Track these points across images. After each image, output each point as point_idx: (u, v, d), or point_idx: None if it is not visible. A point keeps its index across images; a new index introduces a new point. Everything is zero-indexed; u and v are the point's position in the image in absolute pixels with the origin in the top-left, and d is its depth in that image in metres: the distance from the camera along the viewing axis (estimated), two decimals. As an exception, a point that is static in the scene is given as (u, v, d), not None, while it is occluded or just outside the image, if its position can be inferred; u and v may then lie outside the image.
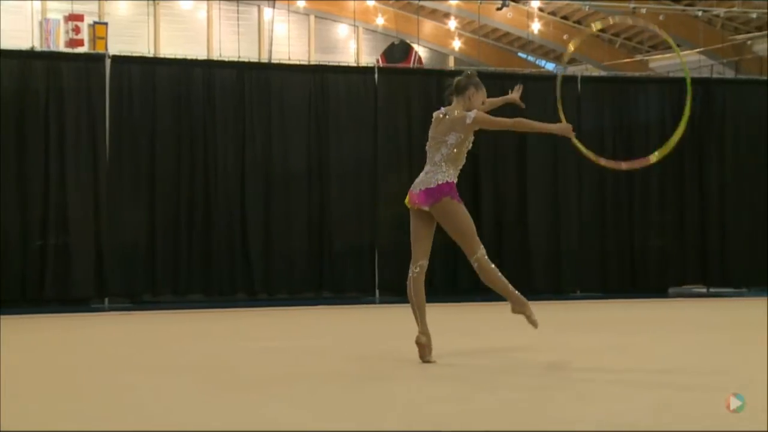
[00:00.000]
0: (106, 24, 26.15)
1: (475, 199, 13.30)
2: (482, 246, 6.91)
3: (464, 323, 10.38)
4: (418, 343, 6.84)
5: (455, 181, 6.97)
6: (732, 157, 14.18)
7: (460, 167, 7.05)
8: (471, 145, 7.11)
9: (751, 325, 9.41)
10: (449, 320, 10.11)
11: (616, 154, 13.75)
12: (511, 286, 6.90)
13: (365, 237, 13.02)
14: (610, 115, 13.91)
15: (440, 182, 6.90)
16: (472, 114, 6.99)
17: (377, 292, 12.95)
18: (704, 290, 13.94)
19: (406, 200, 7.07)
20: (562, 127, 7.04)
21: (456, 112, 7.06)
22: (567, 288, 13.65)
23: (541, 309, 11.57)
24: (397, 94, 13.29)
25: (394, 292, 12.98)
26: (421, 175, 7.02)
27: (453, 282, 13.05)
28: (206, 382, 6.09)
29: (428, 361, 6.75)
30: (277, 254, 12.67)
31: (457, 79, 7.23)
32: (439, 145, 7.00)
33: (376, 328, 9.85)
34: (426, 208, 6.93)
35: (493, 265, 6.88)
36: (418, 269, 7.00)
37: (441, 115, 7.13)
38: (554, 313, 11.69)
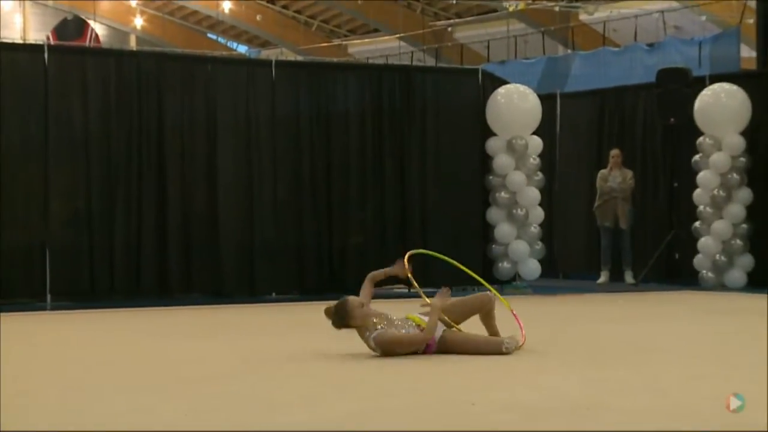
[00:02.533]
0: None
1: (162, 193, 13.23)
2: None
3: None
4: None
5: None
6: (434, 150, 14.72)
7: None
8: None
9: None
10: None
11: (313, 142, 14.06)
12: None
13: (35, 234, 12.65)
14: (306, 102, 14.12)
15: None
16: (372, 339, 7.49)
17: (49, 297, 12.62)
18: (406, 290, 14.42)
19: None
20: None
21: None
22: (261, 290, 13.79)
23: (234, 312, 11.68)
24: (72, 76, 12.97)
25: (69, 296, 12.72)
26: None
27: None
28: None
29: None
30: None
31: (332, 319, 7.61)
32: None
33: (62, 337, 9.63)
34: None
35: None
36: None
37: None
38: (247, 317, 11.83)
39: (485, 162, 14.87)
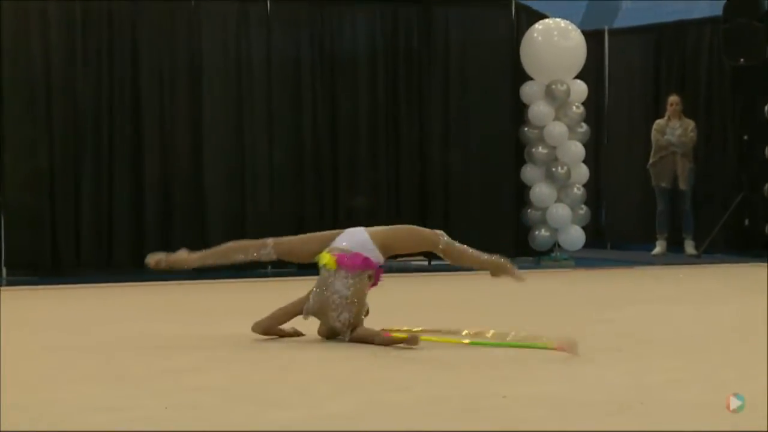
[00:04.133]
0: None
1: (138, 151, 13.24)
2: None
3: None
4: None
5: None
6: (458, 98, 14.69)
7: None
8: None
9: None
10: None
11: (315, 92, 14.03)
12: None
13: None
14: (307, 44, 14.08)
15: None
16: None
17: (4, 270, 12.69)
18: (425, 263, 14.43)
19: None
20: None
21: None
22: (253, 264, 13.76)
23: (222, 290, 11.66)
24: (30, 14, 12.98)
25: (27, 270, 12.77)
26: None
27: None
28: None
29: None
30: None
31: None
32: None
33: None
34: None
35: None
36: None
37: None
38: (239, 294, 11.86)
39: (520, 111, 14.82)
